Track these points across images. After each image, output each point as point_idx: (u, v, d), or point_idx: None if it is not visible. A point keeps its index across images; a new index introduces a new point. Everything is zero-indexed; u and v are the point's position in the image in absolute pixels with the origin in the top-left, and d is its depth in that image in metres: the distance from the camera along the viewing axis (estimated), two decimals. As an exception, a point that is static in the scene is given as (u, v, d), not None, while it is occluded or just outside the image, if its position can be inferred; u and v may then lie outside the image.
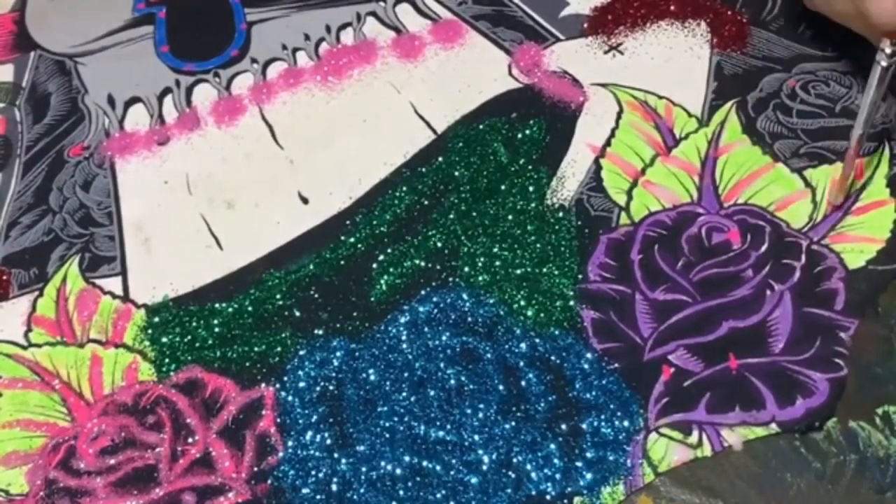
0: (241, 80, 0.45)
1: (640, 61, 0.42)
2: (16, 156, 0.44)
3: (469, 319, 0.34)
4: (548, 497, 0.30)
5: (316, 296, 0.36)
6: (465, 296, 0.35)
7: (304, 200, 0.40)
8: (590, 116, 0.40)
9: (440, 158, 0.40)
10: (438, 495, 0.30)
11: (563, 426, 0.31)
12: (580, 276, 0.35)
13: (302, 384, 0.34)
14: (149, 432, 0.33)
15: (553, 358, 0.33)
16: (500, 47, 0.44)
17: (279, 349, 0.35)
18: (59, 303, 0.38)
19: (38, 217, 0.41)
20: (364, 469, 0.31)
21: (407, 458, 0.31)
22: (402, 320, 0.35)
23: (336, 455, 0.32)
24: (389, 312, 0.35)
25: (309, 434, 0.32)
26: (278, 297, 0.37)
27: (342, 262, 0.37)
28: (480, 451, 0.31)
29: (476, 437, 0.31)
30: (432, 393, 0.33)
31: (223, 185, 0.41)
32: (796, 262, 0.34)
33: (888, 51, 0.30)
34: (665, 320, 0.33)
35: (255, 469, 0.32)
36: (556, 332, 0.34)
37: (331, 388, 0.34)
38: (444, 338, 0.34)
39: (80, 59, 0.48)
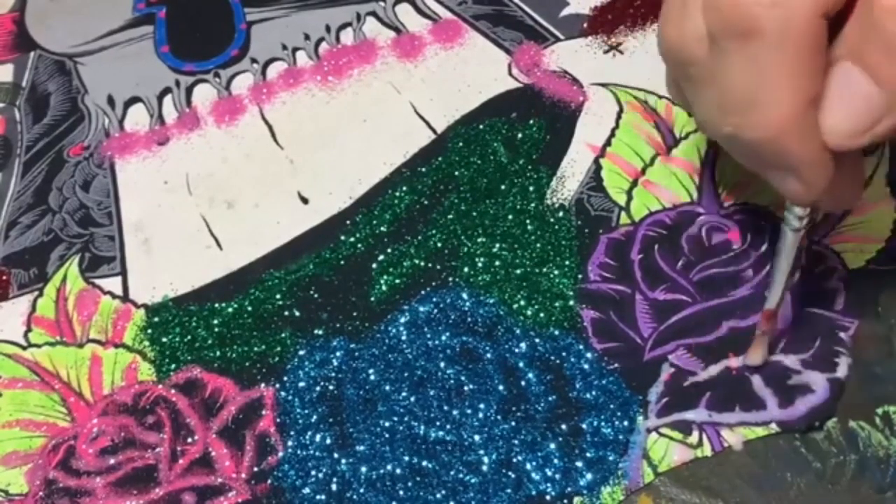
0: (241, 80, 0.45)
1: (640, 61, 0.42)
2: (15, 156, 0.44)
3: (469, 319, 0.34)
4: (548, 497, 0.30)
5: (316, 296, 0.36)
6: (465, 296, 0.35)
7: (304, 200, 0.40)
8: (590, 116, 0.40)
9: (440, 158, 0.40)
10: (438, 495, 0.30)
11: (563, 426, 0.31)
12: (580, 276, 0.35)
13: (302, 384, 0.34)
14: (148, 432, 0.33)
15: (553, 358, 0.33)
16: (500, 47, 0.44)
17: (279, 349, 0.35)
18: (59, 303, 0.38)
19: (38, 217, 0.41)
20: (364, 469, 0.31)
21: (407, 458, 0.31)
22: (402, 320, 0.35)
23: (336, 455, 0.32)
24: (389, 312, 0.35)
25: (309, 434, 0.32)
26: (278, 297, 0.37)
27: (342, 262, 0.37)
28: (480, 451, 0.31)
29: (476, 437, 0.31)
30: (432, 393, 0.33)
31: (223, 185, 0.41)
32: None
33: (799, 213, 0.27)
34: (665, 320, 0.33)
35: (255, 469, 0.32)
36: (556, 332, 0.34)
37: (331, 388, 0.34)
38: (444, 338, 0.34)
39: (80, 59, 0.48)
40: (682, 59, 0.26)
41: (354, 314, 0.36)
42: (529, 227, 0.37)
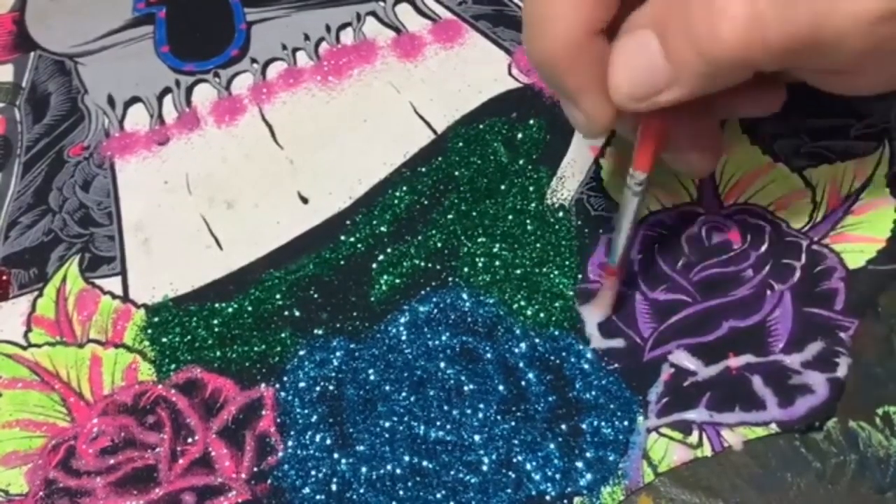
0: (241, 80, 0.45)
1: (640, 61, 0.42)
2: (15, 156, 0.44)
3: (469, 319, 0.34)
4: (548, 497, 0.30)
5: (316, 296, 0.36)
6: (464, 296, 0.35)
7: (304, 200, 0.40)
8: (590, 116, 0.40)
9: (440, 158, 0.40)
10: (438, 495, 0.30)
11: (563, 426, 0.31)
12: (580, 276, 0.35)
13: (302, 384, 0.34)
14: (148, 432, 0.33)
15: (553, 358, 0.33)
16: (500, 47, 0.44)
17: (279, 349, 0.35)
18: (59, 303, 0.38)
19: (38, 217, 0.42)
20: (364, 469, 0.31)
21: (407, 458, 0.31)
22: (402, 320, 0.35)
23: (336, 455, 0.32)
24: (389, 312, 0.35)
25: (309, 434, 0.32)
26: (278, 297, 0.37)
27: (342, 262, 0.37)
28: (480, 452, 0.31)
29: (476, 437, 0.31)
30: (432, 393, 0.33)
31: (223, 185, 0.41)
32: (796, 262, 0.34)
33: (638, 178, 0.29)
34: (665, 320, 0.33)
35: (255, 469, 0.32)
36: (556, 332, 0.34)
37: (331, 388, 0.34)
38: (444, 338, 0.34)
39: (80, 59, 0.48)
40: None
41: (354, 314, 0.36)
42: (529, 227, 0.37)
